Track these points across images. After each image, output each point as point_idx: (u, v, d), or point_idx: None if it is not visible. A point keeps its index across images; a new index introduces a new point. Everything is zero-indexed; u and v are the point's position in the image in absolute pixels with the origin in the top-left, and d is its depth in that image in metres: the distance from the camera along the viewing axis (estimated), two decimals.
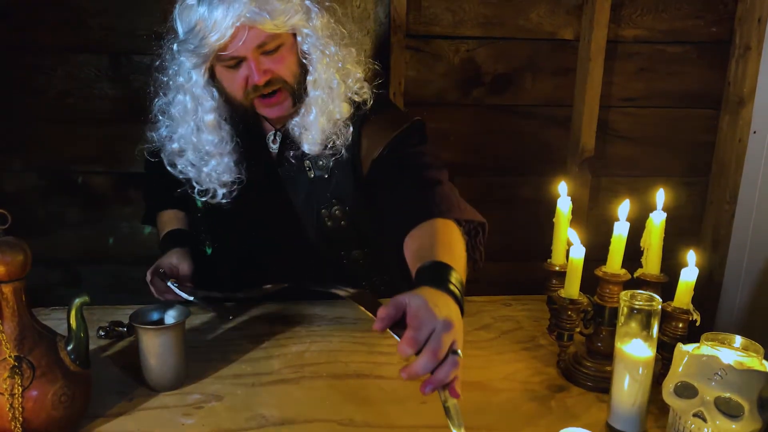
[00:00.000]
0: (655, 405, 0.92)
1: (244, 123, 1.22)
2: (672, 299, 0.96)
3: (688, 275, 0.93)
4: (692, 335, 0.92)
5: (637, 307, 0.88)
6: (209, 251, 1.39)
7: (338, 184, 1.24)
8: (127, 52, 1.88)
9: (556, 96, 2.02)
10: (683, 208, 2.12)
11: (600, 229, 1.16)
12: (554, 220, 1.09)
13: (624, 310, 0.89)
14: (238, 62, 1.12)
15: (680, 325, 0.95)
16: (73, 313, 0.86)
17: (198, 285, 1.24)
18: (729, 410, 0.78)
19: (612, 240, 1.00)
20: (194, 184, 1.23)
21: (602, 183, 2.09)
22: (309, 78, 1.17)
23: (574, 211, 1.11)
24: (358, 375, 1.05)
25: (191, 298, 1.18)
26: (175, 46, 1.15)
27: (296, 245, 1.29)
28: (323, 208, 1.25)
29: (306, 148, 1.20)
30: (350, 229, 1.27)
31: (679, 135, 2.08)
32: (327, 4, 1.19)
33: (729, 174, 2.03)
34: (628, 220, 1.00)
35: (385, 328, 0.73)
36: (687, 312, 0.94)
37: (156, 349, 0.98)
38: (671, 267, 1.01)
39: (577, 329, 1.04)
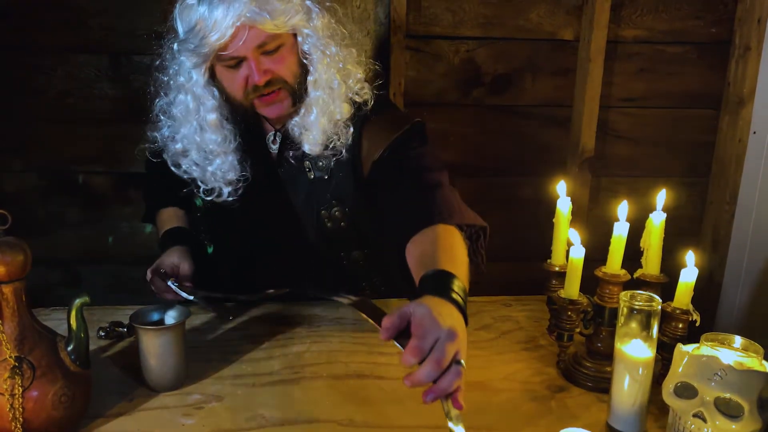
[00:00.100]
0: (655, 405, 0.92)
1: (245, 122, 1.22)
2: (672, 300, 0.96)
3: (688, 276, 0.93)
4: (692, 336, 0.92)
5: (636, 307, 0.88)
6: (210, 250, 1.39)
7: (338, 185, 1.24)
8: (127, 52, 1.88)
9: (556, 96, 2.02)
10: (683, 208, 2.12)
11: (600, 229, 1.16)
12: (554, 220, 1.09)
13: (624, 310, 0.89)
14: (238, 62, 1.12)
15: (680, 326, 0.95)
16: (73, 313, 0.86)
17: (198, 285, 1.24)
18: (729, 410, 0.78)
19: (612, 240, 1.00)
20: (199, 183, 1.22)
21: (602, 183, 2.09)
22: (309, 78, 1.17)
23: (574, 212, 1.11)
24: (358, 375, 1.05)
25: (191, 298, 1.18)
26: (175, 46, 1.14)
27: (296, 246, 1.29)
28: (323, 208, 1.25)
29: (307, 148, 1.20)
30: (350, 230, 1.27)
31: (679, 135, 2.08)
32: (327, 4, 1.19)
33: (729, 174, 2.03)
34: (628, 220, 1.00)
35: (390, 338, 0.73)
36: (687, 312, 0.95)
37: (156, 350, 0.98)
38: (671, 267, 1.01)
39: (577, 329, 1.04)
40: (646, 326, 0.87)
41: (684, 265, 0.92)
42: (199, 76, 1.15)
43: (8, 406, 0.80)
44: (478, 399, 0.98)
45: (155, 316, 1.02)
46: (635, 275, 1.02)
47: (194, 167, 1.21)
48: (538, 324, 1.23)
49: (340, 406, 0.96)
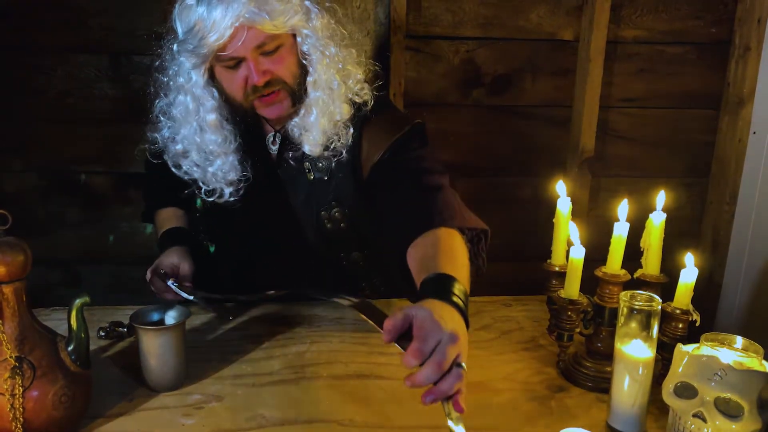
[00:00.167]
0: (654, 405, 0.92)
1: (245, 123, 1.22)
2: (672, 300, 0.96)
3: (688, 276, 0.93)
4: (692, 336, 0.92)
5: (636, 307, 0.88)
6: (212, 249, 1.39)
7: (338, 186, 1.24)
8: (127, 52, 1.88)
9: (556, 96, 2.02)
10: (683, 208, 2.12)
11: (600, 229, 1.16)
12: (554, 220, 1.09)
13: (624, 310, 0.89)
14: (237, 63, 1.12)
15: (680, 326, 0.95)
16: (73, 313, 0.86)
17: (198, 285, 1.24)
18: (729, 410, 0.78)
19: (612, 240, 1.00)
20: (201, 184, 1.22)
21: (602, 183, 2.09)
22: (309, 79, 1.16)
23: (574, 212, 1.11)
24: (359, 375, 1.05)
25: (191, 298, 1.18)
26: (175, 47, 1.14)
27: (296, 246, 1.29)
28: (323, 209, 1.25)
29: (307, 149, 1.19)
30: (350, 231, 1.27)
31: (679, 135, 2.08)
32: (327, 4, 1.19)
33: (729, 174, 2.03)
34: (628, 220, 1.00)
35: (392, 341, 0.73)
36: (687, 312, 0.95)
37: (156, 350, 0.98)
38: (671, 267, 1.01)
39: (577, 329, 1.04)
40: (646, 326, 0.87)
41: (684, 265, 0.92)
42: (198, 77, 1.15)
43: (8, 406, 0.80)
44: (478, 399, 0.98)
45: (155, 316, 1.02)
46: (635, 275, 1.02)
47: (195, 168, 1.21)
48: (538, 324, 1.23)
49: (341, 406, 0.96)
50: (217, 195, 1.22)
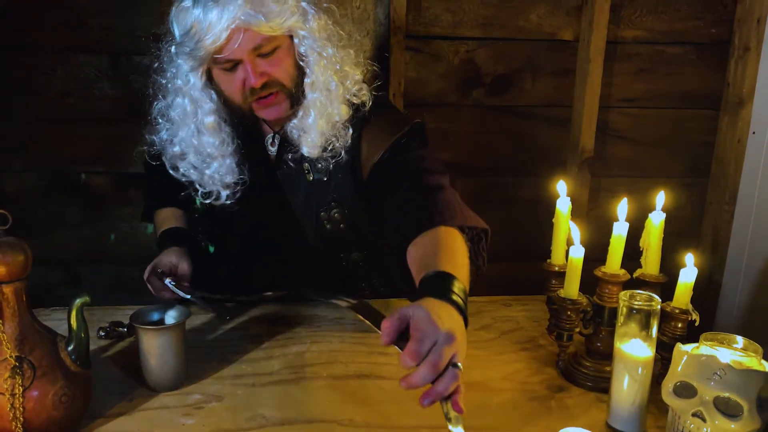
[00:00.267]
0: (654, 405, 0.92)
1: (243, 125, 1.22)
2: (671, 299, 0.96)
3: (687, 275, 0.93)
4: (691, 335, 0.92)
5: (636, 307, 0.88)
6: (212, 249, 1.39)
7: (337, 187, 1.24)
8: (127, 53, 1.88)
9: (556, 97, 2.02)
10: (683, 208, 2.12)
11: (599, 229, 1.16)
12: (554, 220, 1.09)
13: (623, 310, 0.89)
14: (234, 65, 1.11)
15: (679, 325, 0.95)
16: (73, 313, 0.86)
17: (196, 285, 1.24)
18: (728, 410, 0.78)
19: (611, 240, 1.01)
20: (197, 186, 1.22)
21: (602, 183, 2.09)
22: (306, 80, 1.16)
23: (574, 212, 1.11)
24: (359, 375, 1.05)
25: (188, 297, 1.18)
26: (173, 49, 1.14)
27: (295, 247, 1.29)
28: (322, 210, 1.25)
29: (305, 151, 1.19)
30: (349, 232, 1.27)
31: (679, 136, 2.09)
32: (325, 5, 1.18)
33: (728, 174, 2.04)
34: (627, 220, 1.00)
35: (390, 343, 0.73)
36: (686, 312, 0.95)
37: (156, 350, 0.98)
38: (670, 267, 1.01)
39: (577, 329, 1.04)
40: (646, 326, 0.87)
41: (683, 265, 0.93)
42: (196, 80, 1.14)
43: (9, 405, 0.80)
44: (478, 399, 0.98)
45: (155, 316, 1.02)
46: (635, 275, 1.02)
47: (192, 170, 1.21)
48: (537, 324, 1.23)
49: (340, 406, 0.96)
50: (213, 197, 1.22)
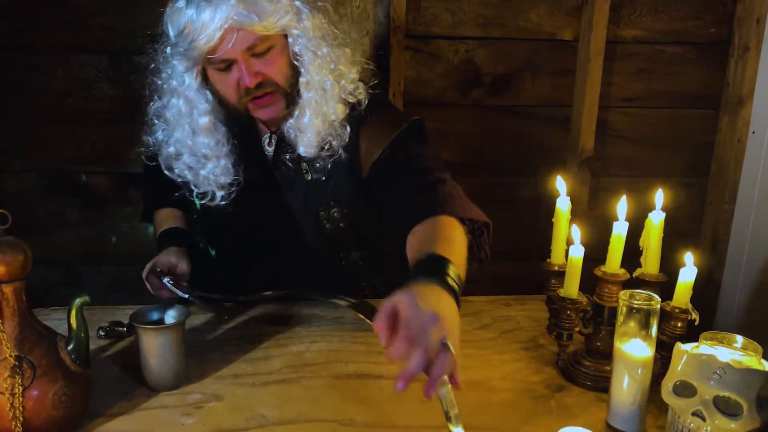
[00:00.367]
0: (654, 404, 0.92)
1: (239, 126, 1.21)
2: (671, 299, 0.96)
3: (687, 275, 0.93)
4: (691, 334, 0.92)
5: (636, 306, 0.88)
6: (213, 252, 1.39)
7: (336, 186, 1.24)
8: (127, 52, 1.88)
9: (556, 96, 2.02)
10: (682, 208, 2.12)
11: (599, 229, 1.16)
12: (553, 219, 1.09)
13: (623, 309, 0.89)
14: (228, 65, 1.11)
15: (679, 325, 0.95)
16: (73, 312, 0.86)
17: (195, 285, 1.24)
18: (728, 409, 0.78)
19: (611, 239, 1.01)
20: (192, 187, 1.22)
21: (601, 183, 2.09)
22: (302, 80, 1.15)
23: (574, 212, 1.11)
24: (358, 375, 1.05)
25: (187, 296, 1.18)
26: (168, 50, 1.14)
27: (295, 247, 1.29)
28: (321, 210, 1.25)
29: (302, 150, 1.19)
30: (349, 231, 1.27)
31: (679, 135, 2.09)
32: (319, 4, 1.18)
33: (728, 174, 2.04)
34: (627, 220, 1.00)
35: (388, 341, 0.71)
36: (686, 311, 0.95)
37: (156, 349, 0.98)
38: (670, 267, 1.01)
39: (577, 329, 1.04)
40: (646, 325, 0.87)
41: (683, 264, 0.93)
42: (191, 80, 1.14)
43: (8, 405, 0.80)
44: (478, 398, 0.98)
45: (155, 316, 1.02)
46: (634, 274, 1.02)
47: (187, 171, 1.21)
48: (537, 323, 1.23)
49: (340, 406, 0.96)
50: (209, 198, 1.22)
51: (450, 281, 0.81)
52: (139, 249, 2.01)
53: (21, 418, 0.81)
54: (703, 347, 0.83)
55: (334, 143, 1.19)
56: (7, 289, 0.82)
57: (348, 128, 1.20)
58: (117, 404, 0.95)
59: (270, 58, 1.12)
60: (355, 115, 1.21)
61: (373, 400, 0.98)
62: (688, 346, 0.84)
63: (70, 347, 0.86)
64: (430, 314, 0.71)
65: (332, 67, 1.17)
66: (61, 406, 0.84)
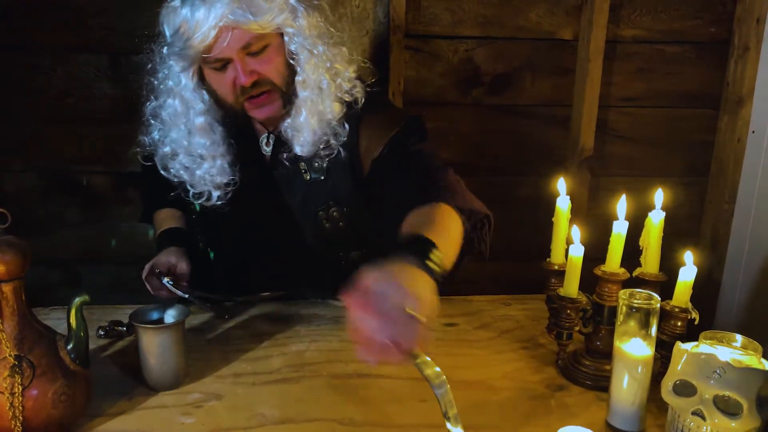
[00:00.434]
0: (654, 403, 0.92)
1: (237, 126, 1.21)
2: (671, 298, 0.96)
3: (687, 274, 0.93)
4: (691, 334, 0.92)
5: (636, 305, 0.88)
6: (212, 255, 1.39)
7: (335, 186, 1.23)
8: (127, 52, 1.88)
9: (556, 96, 2.02)
10: (682, 207, 2.12)
11: (599, 228, 1.17)
12: (553, 219, 1.09)
13: (623, 308, 0.89)
14: (224, 64, 1.11)
15: (679, 324, 0.95)
16: (72, 312, 0.86)
17: (195, 285, 1.24)
18: (728, 408, 0.78)
19: (611, 239, 1.01)
20: (188, 187, 1.22)
21: (601, 183, 2.09)
22: (298, 79, 1.15)
23: (573, 211, 1.11)
24: (358, 374, 1.05)
25: (186, 296, 1.18)
26: (164, 50, 1.14)
27: (294, 247, 1.29)
28: (321, 210, 1.25)
29: (298, 150, 1.19)
30: (349, 231, 1.27)
31: (678, 135, 2.09)
32: (315, 2, 1.17)
33: (728, 173, 2.04)
34: (627, 219, 1.00)
35: (356, 313, 0.70)
36: (686, 311, 0.95)
37: (156, 349, 0.98)
38: (670, 266, 1.01)
39: (576, 328, 1.04)
40: (645, 324, 0.87)
41: (683, 264, 0.93)
42: (187, 80, 1.14)
43: (8, 404, 0.80)
44: (478, 398, 0.98)
45: (155, 315, 1.02)
46: (634, 274, 1.02)
47: (183, 171, 1.21)
48: (537, 323, 1.23)
49: (340, 405, 0.96)
50: (204, 198, 1.22)
51: (430, 264, 0.79)
52: (139, 249, 2.01)
53: (20, 417, 0.81)
54: (703, 346, 0.83)
55: (332, 142, 1.19)
56: (7, 288, 0.82)
57: (347, 126, 1.20)
58: (116, 403, 0.95)
59: (266, 57, 1.12)
60: (353, 114, 1.21)
61: (373, 399, 0.98)
62: (688, 346, 0.84)
63: (69, 347, 0.86)
64: (394, 284, 0.70)
65: (328, 65, 1.16)
66: (60, 405, 0.84)
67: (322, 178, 1.23)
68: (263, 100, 1.15)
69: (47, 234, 2.00)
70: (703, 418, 0.79)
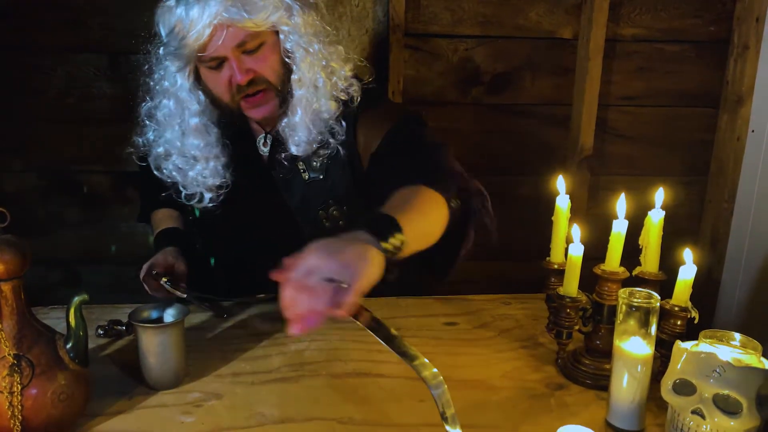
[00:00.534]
0: (653, 402, 0.92)
1: (233, 126, 1.21)
2: (671, 297, 0.96)
3: (687, 273, 0.93)
4: (691, 333, 0.92)
5: (635, 304, 0.88)
6: (213, 261, 1.38)
7: (335, 185, 1.23)
8: (127, 52, 1.88)
9: (555, 95, 2.02)
10: (682, 206, 2.12)
11: (598, 227, 1.16)
12: (553, 218, 1.09)
13: (623, 307, 0.89)
14: (219, 63, 1.11)
15: (679, 323, 0.95)
16: (72, 311, 0.86)
17: (193, 286, 1.23)
18: (727, 407, 0.78)
19: (611, 238, 1.00)
20: (180, 188, 1.22)
21: (601, 182, 2.09)
22: (293, 77, 1.15)
23: (573, 210, 1.11)
24: (358, 373, 1.05)
25: (184, 296, 1.18)
26: (161, 50, 1.14)
27: (294, 247, 1.27)
28: (320, 209, 1.24)
29: (293, 149, 1.18)
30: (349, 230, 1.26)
31: (678, 134, 2.09)
32: (311, 0, 1.17)
33: (727, 173, 2.04)
34: (627, 218, 1.00)
35: (287, 281, 0.70)
36: (685, 309, 0.95)
37: (155, 348, 0.98)
38: (670, 265, 1.01)
39: (576, 327, 1.04)
40: (645, 323, 0.87)
41: (682, 263, 0.93)
42: (183, 80, 1.14)
43: (7, 404, 0.80)
44: (477, 397, 0.98)
45: (154, 315, 1.02)
46: (634, 273, 1.02)
47: (176, 172, 1.21)
48: (537, 322, 1.23)
49: (340, 404, 0.96)
50: (196, 200, 1.22)
51: (383, 243, 0.76)
52: (139, 249, 2.01)
53: (20, 416, 0.81)
54: (703, 345, 0.83)
55: (330, 140, 1.19)
56: (6, 288, 0.82)
57: (344, 124, 1.19)
58: (116, 403, 0.95)
59: (261, 55, 1.12)
60: (350, 111, 1.20)
61: (372, 398, 0.98)
62: (688, 344, 0.84)
63: (68, 346, 0.86)
64: (315, 254, 0.69)
65: (324, 64, 1.16)
66: (60, 404, 0.84)
67: (321, 177, 1.23)
68: (259, 99, 1.14)
69: (47, 234, 2.00)
70: (703, 417, 0.79)
